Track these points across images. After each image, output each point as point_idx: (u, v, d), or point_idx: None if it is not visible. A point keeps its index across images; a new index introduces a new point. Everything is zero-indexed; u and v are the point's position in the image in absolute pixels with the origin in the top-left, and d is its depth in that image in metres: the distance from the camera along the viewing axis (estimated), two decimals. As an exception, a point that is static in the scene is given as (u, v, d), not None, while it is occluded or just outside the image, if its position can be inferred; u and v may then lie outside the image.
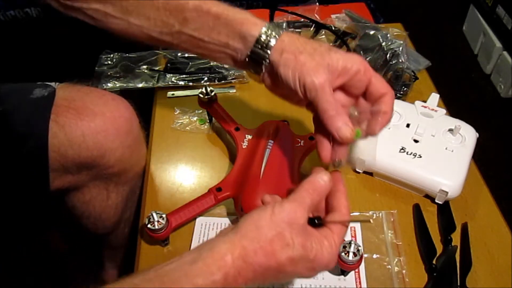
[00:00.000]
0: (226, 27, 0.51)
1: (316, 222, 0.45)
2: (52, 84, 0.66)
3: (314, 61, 0.48)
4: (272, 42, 0.49)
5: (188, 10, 0.51)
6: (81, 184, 0.71)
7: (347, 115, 0.50)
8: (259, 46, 0.49)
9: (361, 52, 0.88)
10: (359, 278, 0.58)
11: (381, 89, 0.50)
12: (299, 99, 0.51)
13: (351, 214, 0.64)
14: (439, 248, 0.61)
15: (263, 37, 0.49)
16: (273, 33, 0.49)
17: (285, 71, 0.49)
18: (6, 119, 0.62)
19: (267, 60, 0.50)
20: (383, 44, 0.86)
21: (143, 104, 0.85)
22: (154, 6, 0.51)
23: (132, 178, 0.74)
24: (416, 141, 0.69)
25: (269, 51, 0.49)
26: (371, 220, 0.47)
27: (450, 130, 0.70)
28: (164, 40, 0.53)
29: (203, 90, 0.73)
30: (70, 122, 0.62)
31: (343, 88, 0.51)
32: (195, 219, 0.64)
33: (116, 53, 0.92)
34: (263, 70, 0.51)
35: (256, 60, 0.50)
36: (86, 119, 0.63)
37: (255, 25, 0.50)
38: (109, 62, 0.90)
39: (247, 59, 0.51)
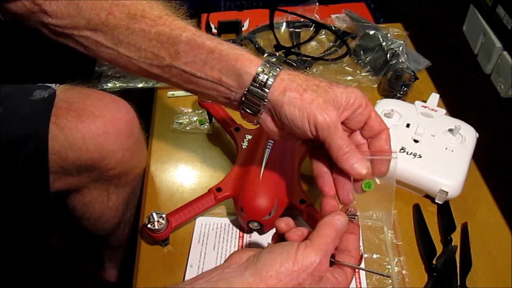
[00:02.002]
0: (219, 62, 0.48)
1: (332, 260, 0.44)
2: (53, 85, 0.66)
3: (321, 98, 0.46)
4: (270, 80, 0.46)
5: (181, 43, 0.48)
6: (81, 186, 0.71)
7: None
8: (257, 85, 0.47)
9: (361, 52, 0.88)
10: (359, 278, 0.58)
11: (381, 124, 0.49)
12: (303, 138, 0.49)
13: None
14: (439, 248, 0.61)
15: (261, 76, 0.47)
16: (271, 72, 0.47)
17: (291, 110, 0.46)
18: (6, 120, 0.61)
19: (266, 100, 0.47)
20: (383, 44, 0.86)
21: (143, 104, 0.85)
22: (146, 37, 0.49)
23: (133, 180, 0.74)
24: (416, 141, 0.69)
25: (267, 90, 0.47)
26: (389, 277, 0.45)
27: (450, 130, 0.70)
28: (154, 72, 0.51)
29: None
30: (71, 124, 0.62)
31: (343, 123, 0.49)
32: (195, 219, 0.64)
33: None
34: (261, 111, 0.48)
35: (253, 100, 0.48)
36: (87, 122, 0.63)
37: (250, 62, 0.47)
38: (109, 62, 0.90)
39: (243, 98, 0.48)
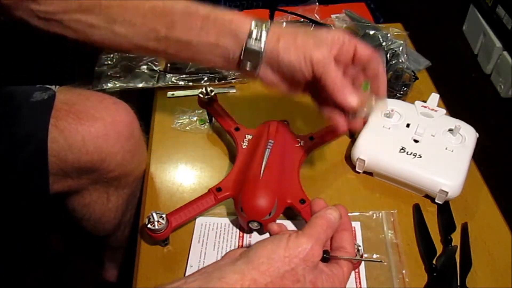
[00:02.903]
0: (215, 26, 0.51)
1: (326, 256, 0.44)
2: (52, 87, 0.66)
3: (311, 40, 0.51)
4: (264, 34, 0.51)
5: (176, 13, 0.51)
6: (81, 187, 0.71)
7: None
8: (253, 40, 0.51)
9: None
10: (359, 278, 0.58)
11: (368, 52, 0.54)
12: (302, 82, 0.53)
13: (352, 214, 0.64)
14: (439, 248, 0.61)
15: (255, 31, 0.51)
16: (264, 26, 0.51)
17: (287, 55, 0.51)
18: (5, 122, 0.61)
19: (263, 52, 0.51)
20: (383, 44, 0.86)
21: (143, 104, 0.85)
22: (140, 13, 0.51)
23: (133, 182, 0.74)
24: (416, 141, 0.69)
25: (264, 42, 0.51)
26: (383, 261, 0.47)
27: (450, 130, 0.70)
28: (150, 47, 0.53)
29: (203, 90, 0.73)
30: (70, 126, 0.62)
31: (335, 59, 0.53)
32: (195, 219, 0.64)
33: (116, 53, 0.92)
34: (260, 63, 0.52)
35: (252, 54, 0.51)
36: (87, 124, 0.62)
37: (244, 21, 0.51)
38: (109, 62, 0.90)
39: (241, 56, 0.52)
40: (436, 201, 0.65)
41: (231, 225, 0.64)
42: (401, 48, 0.83)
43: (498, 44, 1.45)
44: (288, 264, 0.40)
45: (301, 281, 0.41)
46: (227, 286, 0.39)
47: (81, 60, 0.95)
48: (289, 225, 0.64)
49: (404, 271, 0.59)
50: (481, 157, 0.73)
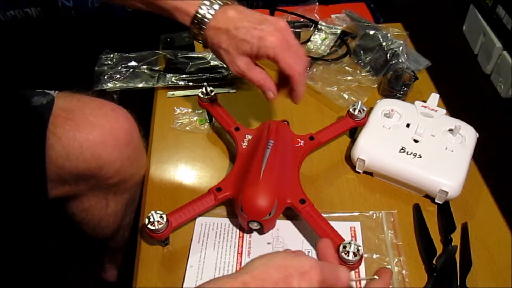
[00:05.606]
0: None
1: None
2: (52, 92, 0.66)
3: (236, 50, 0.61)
4: (210, 14, 0.60)
5: None
6: (79, 193, 0.71)
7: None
8: (197, 21, 0.61)
9: (361, 52, 0.88)
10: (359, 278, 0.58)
11: (287, 72, 0.61)
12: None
13: (352, 214, 0.64)
14: (439, 248, 0.61)
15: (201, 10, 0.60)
16: (212, 5, 0.60)
17: (217, 51, 0.63)
18: (3, 126, 0.61)
19: (205, 28, 0.61)
20: (383, 44, 0.86)
21: (143, 104, 0.85)
22: None
23: (132, 187, 0.74)
24: (416, 141, 0.69)
25: (206, 21, 0.60)
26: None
27: (450, 130, 0.70)
28: None
29: (203, 90, 0.73)
30: (68, 134, 0.62)
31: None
32: (195, 219, 0.64)
33: (116, 53, 0.92)
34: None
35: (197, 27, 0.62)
36: (85, 131, 0.62)
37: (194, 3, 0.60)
38: (109, 62, 0.90)
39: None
40: (436, 201, 0.65)
41: (231, 225, 0.64)
42: (401, 48, 0.83)
43: (498, 44, 1.46)
44: (283, 272, 0.39)
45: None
46: (215, 286, 0.39)
47: (81, 60, 0.95)
48: (289, 225, 0.64)
49: (404, 271, 0.59)
50: (481, 157, 0.73)
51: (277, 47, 0.59)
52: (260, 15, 0.61)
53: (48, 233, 1.02)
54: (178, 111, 0.81)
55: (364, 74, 0.86)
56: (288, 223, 0.64)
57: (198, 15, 0.60)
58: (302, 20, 0.97)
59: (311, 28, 0.97)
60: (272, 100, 0.65)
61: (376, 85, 0.85)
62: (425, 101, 0.75)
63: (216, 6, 0.60)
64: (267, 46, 0.59)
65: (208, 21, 0.60)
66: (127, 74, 0.87)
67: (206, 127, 0.78)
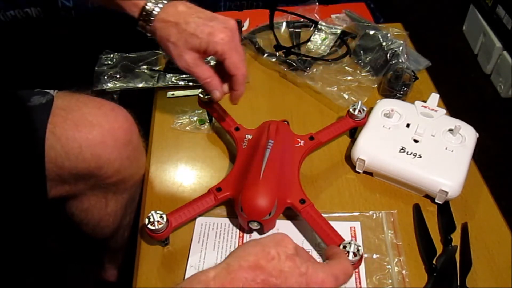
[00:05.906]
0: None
1: None
2: (51, 91, 0.66)
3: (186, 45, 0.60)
4: (156, 10, 0.60)
5: None
6: (79, 193, 0.70)
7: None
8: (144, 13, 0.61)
9: (361, 52, 0.88)
10: (359, 278, 0.58)
11: (232, 70, 0.61)
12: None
13: (352, 214, 0.64)
14: (439, 248, 0.61)
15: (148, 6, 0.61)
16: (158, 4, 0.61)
17: (165, 45, 0.62)
18: (3, 126, 0.61)
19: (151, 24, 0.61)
20: (383, 44, 0.86)
21: (143, 104, 0.85)
22: None
23: (132, 187, 0.73)
24: (416, 141, 0.69)
25: (153, 19, 0.61)
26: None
27: (450, 130, 0.70)
28: None
29: (203, 90, 0.73)
30: (67, 133, 0.62)
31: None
32: (195, 219, 0.64)
33: (116, 53, 0.92)
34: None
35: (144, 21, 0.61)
36: (84, 131, 0.62)
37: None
38: (109, 62, 0.90)
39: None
40: (436, 201, 0.65)
41: (231, 225, 0.64)
42: (401, 48, 0.83)
43: (498, 44, 1.45)
44: (261, 247, 0.41)
45: (276, 257, 0.40)
46: (201, 272, 0.40)
47: (81, 60, 0.95)
48: (289, 225, 0.64)
49: (404, 271, 0.59)
50: (481, 157, 0.73)
51: (225, 45, 0.59)
52: (210, 12, 0.62)
53: (48, 233, 1.02)
54: (178, 111, 0.81)
55: (364, 74, 0.86)
56: (288, 223, 0.64)
57: (146, 7, 0.60)
58: (302, 20, 0.97)
59: (311, 28, 0.97)
60: (219, 100, 0.66)
61: (376, 85, 0.85)
62: (425, 101, 0.75)
63: (165, 0, 0.61)
64: (217, 42, 0.59)
65: (156, 13, 0.60)
66: (127, 74, 0.87)
67: (206, 127, 0.78)
